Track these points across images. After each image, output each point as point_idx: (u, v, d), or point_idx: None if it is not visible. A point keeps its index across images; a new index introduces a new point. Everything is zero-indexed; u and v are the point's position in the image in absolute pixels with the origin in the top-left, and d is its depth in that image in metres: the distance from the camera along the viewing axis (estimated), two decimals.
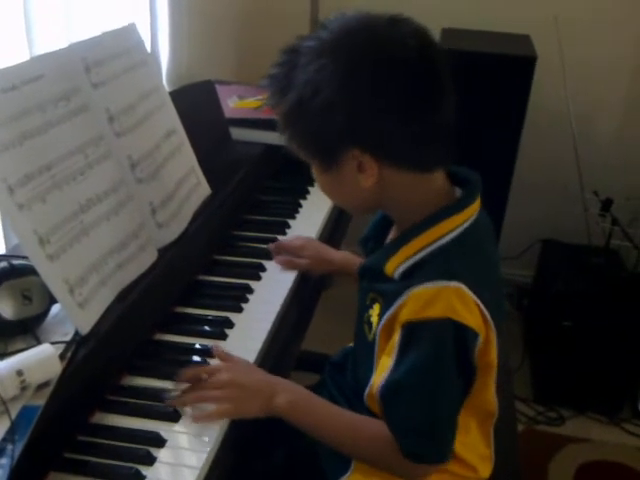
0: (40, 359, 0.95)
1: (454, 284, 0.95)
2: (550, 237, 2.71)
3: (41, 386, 0.95)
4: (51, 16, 1.51)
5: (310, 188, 1.76)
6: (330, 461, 1.14)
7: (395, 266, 1.01)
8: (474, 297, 0.96)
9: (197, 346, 1.20)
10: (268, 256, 1.48)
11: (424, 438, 1.00)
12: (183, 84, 1.74)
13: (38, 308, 1.07)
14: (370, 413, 1.08)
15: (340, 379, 1.24)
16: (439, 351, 0.95)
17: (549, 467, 2.14)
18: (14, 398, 0.93)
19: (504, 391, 1.21)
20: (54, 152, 1.06)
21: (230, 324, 1.25)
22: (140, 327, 1.19)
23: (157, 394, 1.08)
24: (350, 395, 1.16)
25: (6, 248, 1.36)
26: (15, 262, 1.07)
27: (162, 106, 1.39)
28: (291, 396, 1.07)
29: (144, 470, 0.94)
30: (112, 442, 0.99)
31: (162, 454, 0.98)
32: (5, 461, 0.84)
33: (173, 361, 1.16)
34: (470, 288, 0.96)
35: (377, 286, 1.05)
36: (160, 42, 2.07)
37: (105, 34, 1.30)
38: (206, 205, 1.46)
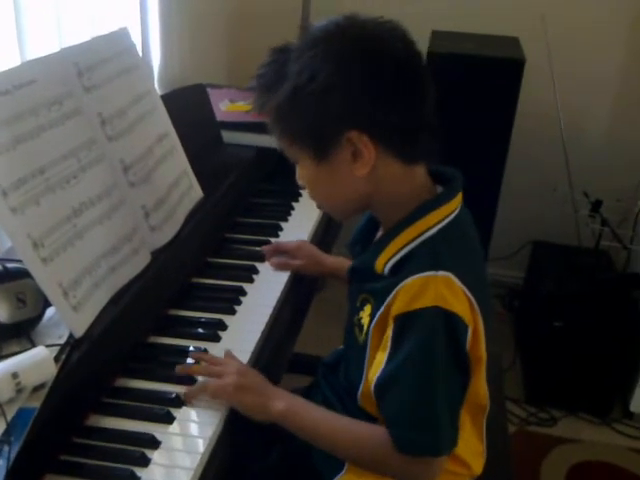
0: (35, 361, 0.95)
1: (442, 274, 0.96)
2: (540, 238, 2.73)
3: (36, 388, 0.96)
4: (42, 21, 1.52)
5: (302, 191, 1.77)
6: (324, 461, 1.14)
7: (384, 262, 1.02)
8: (462, 286, 0.97)
9: (191, 348, 1.20)
10: (261, 258, 1.49)
11: (417, 428, 0.99)
12: (174, 88, 1.75)
13: (32, 311, 1.07)
14: (364, 413, 1.09)
15: (333, 380, 1.25)
16: (430, 340, 0.96)
17: (541, 468, 2.15)
18: (10, 400, 0.93)
19: (496, 392, 1.22)
20: (47, 156, 1.07)
21: (223, 326, 1.26)
22: (134, 330, 1.20)
23: (151, 396, 1.08)
24: (343, 395, 1.17)
25: None
26: (9, 265, 1.07)
27: (154, 110, 1.40)
28: (288, 401, 1.08)
29: (139, 472, 0.95)
30: (107, 444, 0.99)
31: (157, 456, 0.98)
32: (1, 463, 0.84)
33: (167, 363, 1.17)
34: (458, 277, 0.97)
35: (368, 286, 1.06)
36: (151, 46, 2.08)
37: (97, 38, 1.31)
38: (199, 208, 1.47)
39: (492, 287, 2.99)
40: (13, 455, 0.85)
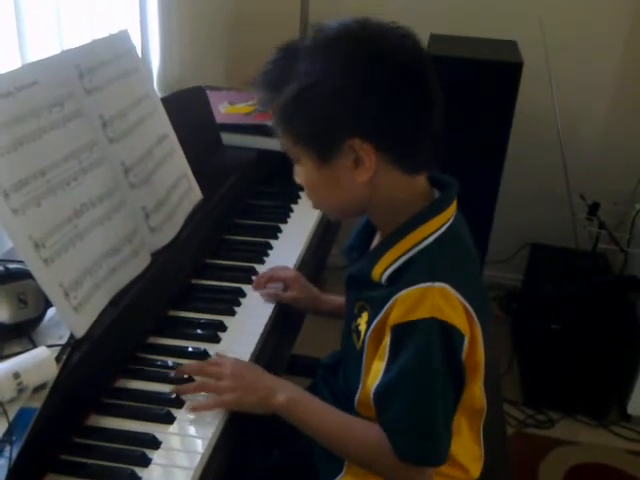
0: (37, 362, 0.96)
1: (438, 285, 0.97)
2: (538, 241, 2.73)
3: (37, 388, 0.96)
4: (43, 23, 1.52)
5: (301, 193, 1.78)
6: (324, 462, 1.15)
7: (382, 271, 1.02)
8: (459, 296, 0.98)
9: (190, 349, 1.21)
10: (260, 260, 1.50)
11: (420, 440, 1.00)
12: (174, 90, 1.75)
13: (34, 312, 1.07)
14: (362, 417, 1.09)
15: (332, 381, 1.25)
16: (428, 350, 0.96)
17: (539, 470, 2.15)
18: (11, 400, 0.94)
19: (493, 394, 1.23)
20: (48, 157, 1.07)
21: (223, 327, 1.27)
22: (134, 330, 1.20)
23: (151, 396, 1.09)
24: (342, 398, 1.17)
25: (0, 252, 1.37)
26: (11, 266, 1.08)
27: (154, 112, 1.40)
28: (290, 394, 1.09)
29: (139, 471, 0.95)
30: (107, 444, 1.00)
31: (157, 456, 0.98)
32: (3, 462, 0.84)
33: (167, 364, 1.17)
34: (454, 287, 0.97)
35: (365, 294, 1.06)
36: (151, 48, 2.08)
37: (97, 41, 1.32)
38: (198, 209, 1.47)
39: (490, 289, 3.02)
40: (15, 454, 0.85)
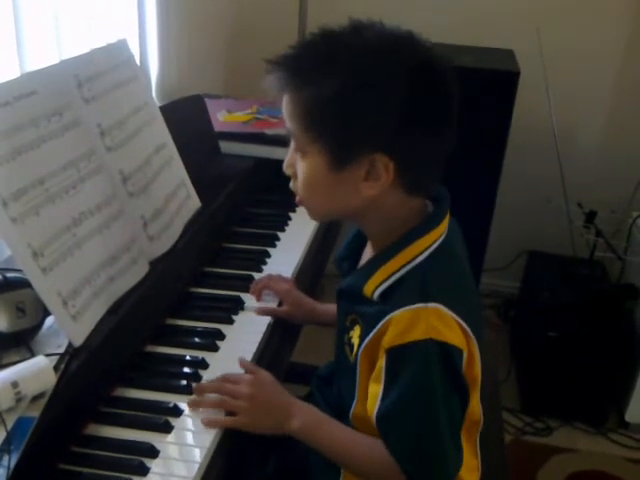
0: (35, 371, 0.96)
1: (432, 305, 0.96)
2: (536, 249, 2.74)
3: (36, 397, 0.96)
4: (41, 32, 1.53)
5: None
6: (320, 470, 1.15)
7: (374, 287, 1.01)
8: (453, 315, 0.97)
9: (188, 358, 1.21)
10: (258, 268, 1.50)
11: (428, 461, 0.99)
12: (172, 98, 1.76)
13: (32, 320, 1.07)
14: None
15: (328, 392, 1.24)
16: (427, 372, 0.95)
17: (537, 478, 2.15)
18: (9, 409, 0.94)
19: (491, 402, 1.23)
20: (47, 166, 1.07)
21: (221, 336, 1.26)
22: (132, 339, 1.20)
23: (150, 405, 1.09)
24: (337, 409, 1.16)
25: None
26: (9, 275, 1.08)
27: (152, 120, 1.41)
28: (304, 419, 1.08)
29: None
30: (105, 453, 0.99)
31: (155, 465, 0.98)
32: (1, 472, 0.84)
33: (165, 373, 1.18)
34: (448, 306, 0.96)
35: (357, 308, 1.06)
36: (149, 56, 2.09)
37: (96, 50, 1.32)
38: (196, 218, 1.48)
39: (487, 297, 3.02)
40: (13, 464, 0.85)
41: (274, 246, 1.61)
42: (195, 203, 1.50)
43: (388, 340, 0.97)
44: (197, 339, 1.26)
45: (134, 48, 1.97)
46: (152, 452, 1.00)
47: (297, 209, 1.77)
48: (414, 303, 0.96)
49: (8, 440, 0.89)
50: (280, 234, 1.66)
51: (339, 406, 1.14)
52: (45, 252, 1.02)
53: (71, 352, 1.04)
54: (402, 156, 0.95)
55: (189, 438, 1.05)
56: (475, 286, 1.13)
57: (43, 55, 1.53)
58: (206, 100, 1.79)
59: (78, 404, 1.03)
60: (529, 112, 2.48)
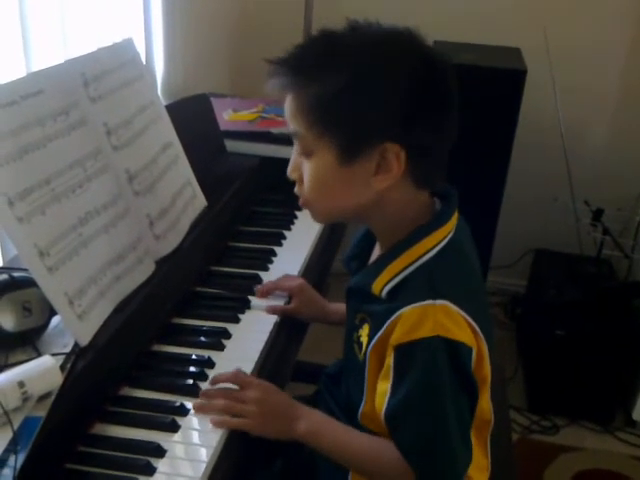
0: (41, 370, 0.96)
1: (440, 302, 0.95)
2: (542, 247, 2.73)
3: (42, 397, 0.96)
4: (47, 31, 1.53)
5: None
6: (327, 472, 1.14)
7: (382, 285, 1.01)
8: (461, 312, 0.96)
9: (194, 357, 1.21)
10: (264, 267, 1.50)
11: (436, 459, 0.99)
12: (178, 97, 1.76)
13: (38, 320, 1.08)
14: (366, 429, 1.08)
15: (336, 391, 1.24)
16: (434, 370, 0.95)
17: (544, 476, 2.15)
18: (16, 409, 0.94)
19: (498, 401, 1.22)
20: (53, 166, 1.07)
21: (227, 335, 1.26)
22: (138, 338, 1.20)
23: (156, 405, 1.09)
24: (346, 408, 1.16)
25: (3, 260, 1.37)
26: (15, 274, 1.08)
27: (158, 119, 1.41)
28: (311, 423, 1.08)
29: None
30: (112, 452, 1.00)
31: (162, 464, 0.98)
32: (8, 472, 0.84)
33: (171, 372, 1.17)
34: (456, 304, 0.96)
35: (365, 307, 1.05)
36: (155, 55, 2.09)
37: (102, 49, 1.32)
38: (202, 217, 1.48)
39: (494, 295, 3.01)
40: (19, 464, 0.86)
41: (280, 245, 1.61)
42: (201, 202, 1.50)
43: (396, 337, 0.97)
44: (203, 338, 1.26)
45: (140, 47, 1.97)
46: (159, 451, 1.00)
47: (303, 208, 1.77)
48: (422, 300, 0.96)
49: (15, 440, 0.89)
50: (286, 233, 1.66)
51: (347, 405, 1.14)
52: (51, 251, 1.02)
53: (77, 352, 1.04)
54: (413, 144, 0.95)
55: (195, 438, 1.05)
56: (484, 285, 1.13)
57: (49, 54, 1.53)
58: (212, 99, 1.79)
59: (84, 403, 1.03)
60: (536, 110, 2.47)
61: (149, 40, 2.05)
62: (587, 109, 2.66)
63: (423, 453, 0.99)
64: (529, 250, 2.79)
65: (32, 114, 1.06)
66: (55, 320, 1.10)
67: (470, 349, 0.97)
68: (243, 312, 1.34)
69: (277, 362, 1.25)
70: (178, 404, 1.08)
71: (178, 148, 1.45)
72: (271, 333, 1.28)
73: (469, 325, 0.97)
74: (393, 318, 0.97)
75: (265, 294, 1.38)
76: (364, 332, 1.05)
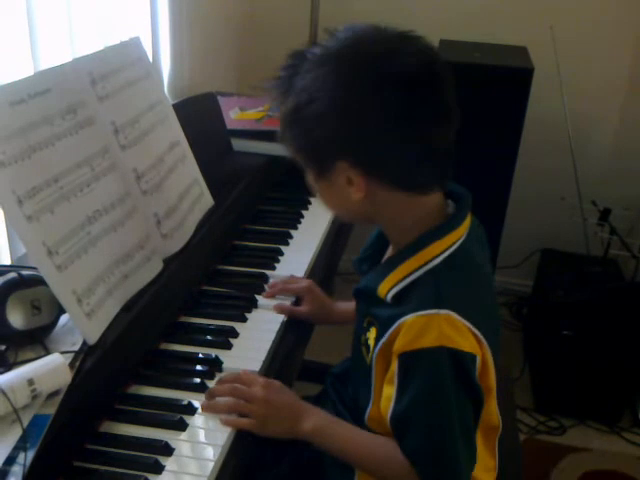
0: (50, 368, 0.96)
1: (444, 312, 0.95)
2: (549, 246, 2.72)
3: (51, 395, 0.96)
4: (55, 30, 1.53)
5: (312, 199, 1.78)
6: (335, 471, 1.14)
7: (387, 289, 1.01)
8: (465, 323, 0.96)
9: (202, 355, 1.21)
10: (271, 266, 1.50)
11: (440, 464, 0.99)
12: (185, 96, 1.76)
13: (47, 318, 1.08)
14: (372, 432, 1.08)
15: (342, 391, 1.24)
16: (438, 379, 0.95)
17: (551, 477, 2.14)
18: (25, 407, 0.94)
19: (505, 401, 1.22)
20: (61, 164, 1.08)
21: (235, 334, 1.26)
22: (146, 337, 1.20)
23: (164, 403, 1.09)
24: (352, 408, 1.16)
25: (12, 259, 1.38)
26: (24, 273, 1.08)
27: (165, 118, 1.41)
28: (316, 422, 1.08)
29: (152, 478, 0.95)
30: (120, 451, 1.00)
31: (169, 463, 0.98)
32: (17, 469, 0.85)
33: (179, 370, 1.18)
34: (460, 314, 0.96)
35: (372, 310, 1.05)
36: (162, 54, 2.09)
37: (110, 48, 1.32)
38: (209, 216, 1.48)
39: (500, 295, 3.00)
40: (29, 461, 0.86)
41: (287, 244, 1.61)
42: (208, 201, 1.50)
43: (400, 345, 0.97)
44: (210, 337, 1.26)
45: (147, 46, 1.97)
46: (167, 450, 1.00)
47: (309, 207, 1.77)
48: (427, 308, 0.95)
49: (24, 437, 0.89)
50: (293, 232, 1.66)
51: (354, 405, 1.14)
52: (60, 250, 1.02)
53: (86, 350, 1.04)
54: (365, 160, 0.96)
55: (203, 436, 1.05)
56: (493, 293, 1.11)
57: (57, 53, 1.53)
58: (218, 98, 1.79)
59: (93, 402, 1.03)
60: (543, 109, 2.47)
61: (156, 39, 2.05)
62: (594, 108, 2.65)
63: (428, 460, 0.99)
64: (536, 250, 2.78)
65: (40, 113, 1.06)
66: (64, 318, 1.10)
67: (474, 357, 0.97)
68: (250, 311, 1.34)
69: (284, 361, 1.25)
70: (186, 402, 1.09)
71: (185, 147, 1.45)
72: (278, 332, 1.28)
73: (473, 334, 0.97)
74: (396, 325, 0.97)
75: (273, 296, 1.39)
76: (371, 335, 1.05)
